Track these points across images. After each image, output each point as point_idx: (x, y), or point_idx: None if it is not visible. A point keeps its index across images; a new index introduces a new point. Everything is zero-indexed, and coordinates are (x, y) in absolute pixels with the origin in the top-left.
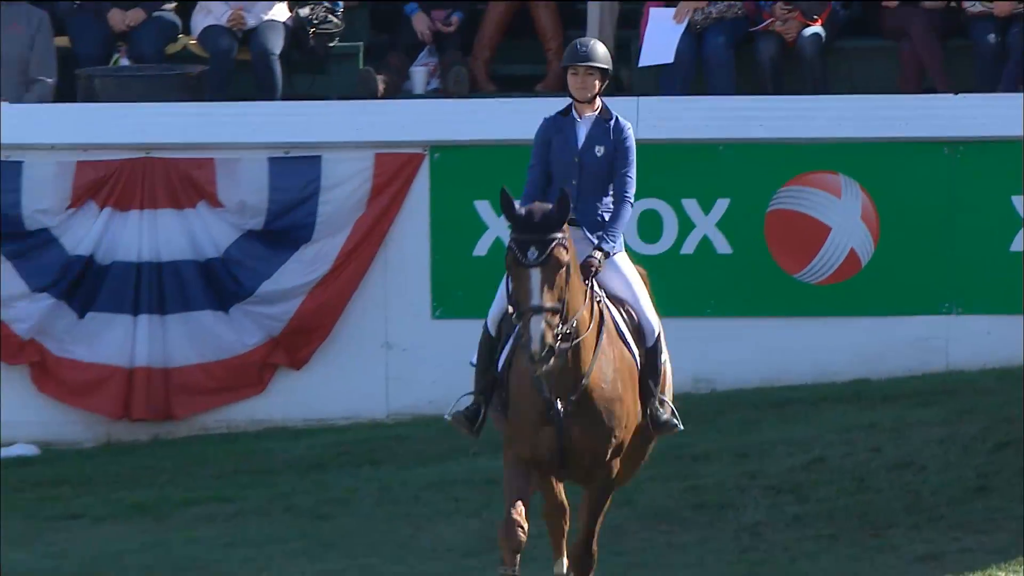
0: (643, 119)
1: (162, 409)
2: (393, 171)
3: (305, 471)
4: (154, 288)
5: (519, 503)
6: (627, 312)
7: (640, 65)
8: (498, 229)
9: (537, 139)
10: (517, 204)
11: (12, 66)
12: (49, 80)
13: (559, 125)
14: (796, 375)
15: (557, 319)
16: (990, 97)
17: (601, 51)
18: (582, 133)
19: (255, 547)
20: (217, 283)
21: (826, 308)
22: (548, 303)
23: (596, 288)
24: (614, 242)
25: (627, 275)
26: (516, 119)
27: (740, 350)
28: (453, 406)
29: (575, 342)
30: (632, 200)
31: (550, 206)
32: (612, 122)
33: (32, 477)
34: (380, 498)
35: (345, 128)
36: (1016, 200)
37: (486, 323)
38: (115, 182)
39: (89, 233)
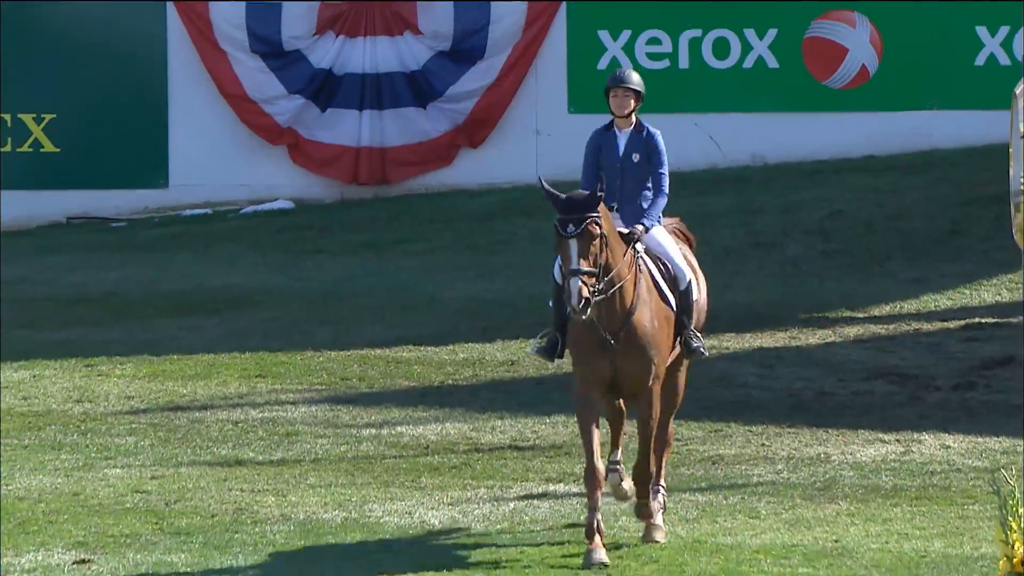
0: None
1: (380, 176)
2: (540, 9)
3: (479, 220)
4: (374, 91)
5: (594, 451)
6: (663, 265)
7: None
8: (615, 50)
9: (588, 146)
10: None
11: None
12: None
13: (604, 137)
14: (824, 152)
15: (592, 280)
16: None
17: (636, 77)
18: (622, 144)
19: (445, 273)
20: (418, 87)
21: (845, 105)
22: (584, 267)
23: (639, 249)
24: (651, 220)
25: (663, 239)
26: None
27: (784, 135)
28: (534, 342)
29: (614, 288)
30: (667, 191)
31: (586, 192)
32: (644, 133)
33: (288, 224)
34: (532, 239)
35: None
36: (979, 29)
37: (554, 273)
38: (347, 17)
39: (329, 52)
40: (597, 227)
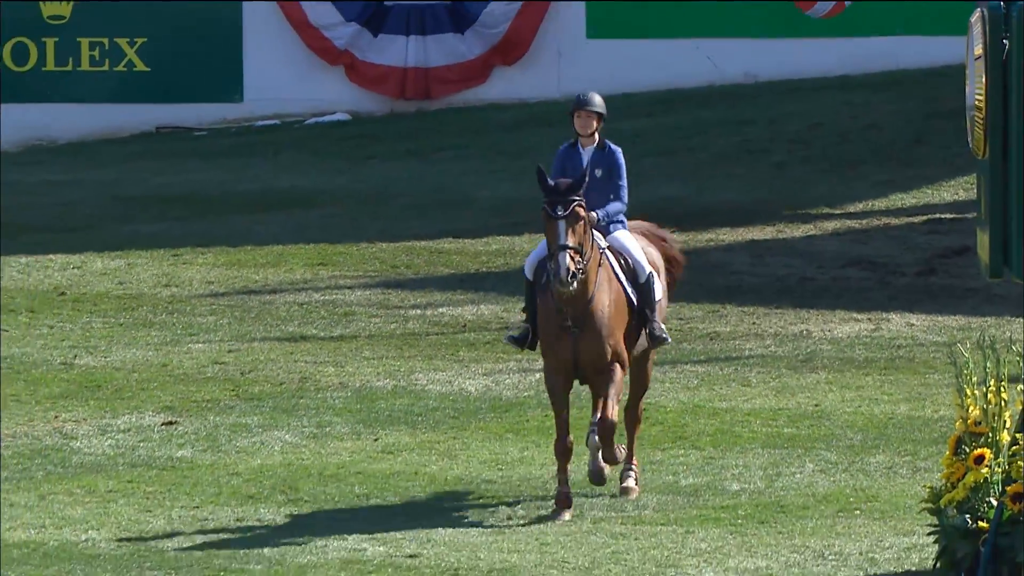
0: None
1: (424, 92)
2: None
3: (509, 130)
4: (418, 19)
5: (565, 427)
6: (624, 260)
7: None
8: None
9: (555, 161)
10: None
11: None
12: None
13: (569, 154)
14: (804, 71)
15: (578, 256)
16: None
17: (598, 99)
18: (585, 160)
19: (479, 175)
20: (456, 15)
21: (825, 31)
22: (571, 242)
23: (601, 241)
24: (602, 213)
25: (625, 239)
26: None
27: (772, 55)
28: (508, 331)
29: (583, 276)
30: (624, 201)
31: (571, 180)
32: (607, 150)
33: (345, 133)
34: (554, 147)
35: None
36: None
37: (525, 271)
38: None
39: None
40: (582, 209)
